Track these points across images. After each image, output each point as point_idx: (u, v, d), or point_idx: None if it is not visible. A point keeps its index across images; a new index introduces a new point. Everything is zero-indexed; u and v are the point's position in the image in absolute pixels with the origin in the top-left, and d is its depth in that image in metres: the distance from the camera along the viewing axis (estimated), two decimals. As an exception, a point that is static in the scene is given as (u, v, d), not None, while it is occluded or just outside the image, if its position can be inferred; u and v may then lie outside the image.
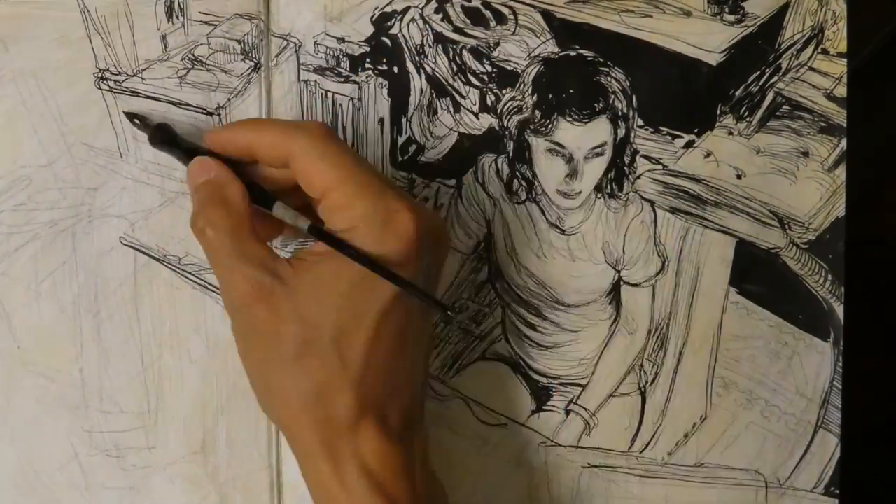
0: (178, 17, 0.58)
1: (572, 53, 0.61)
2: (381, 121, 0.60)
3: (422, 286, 0.48)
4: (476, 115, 0.61)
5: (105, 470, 0.59)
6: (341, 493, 0.47)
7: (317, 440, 0.48)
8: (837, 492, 0.63)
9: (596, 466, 0.62)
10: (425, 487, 0.50)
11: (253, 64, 0.59)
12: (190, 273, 0.59)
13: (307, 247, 0.50)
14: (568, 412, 0.62)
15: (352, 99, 0.59)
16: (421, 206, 0.51)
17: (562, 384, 0.62)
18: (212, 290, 0.59)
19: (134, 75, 0.58)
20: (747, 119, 0.62)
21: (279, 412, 0.50)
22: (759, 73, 0.62)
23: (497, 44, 0.60)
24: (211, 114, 0.58)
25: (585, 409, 0.62)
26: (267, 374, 0.49)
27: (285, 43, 0.59)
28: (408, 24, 0.60)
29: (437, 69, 0.60)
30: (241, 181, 0.50)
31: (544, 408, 0.62)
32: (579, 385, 0.62)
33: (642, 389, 0.63)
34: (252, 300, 0.48)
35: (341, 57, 0.59)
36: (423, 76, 0.60)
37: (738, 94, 0.62)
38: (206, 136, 0.53)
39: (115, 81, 0.58)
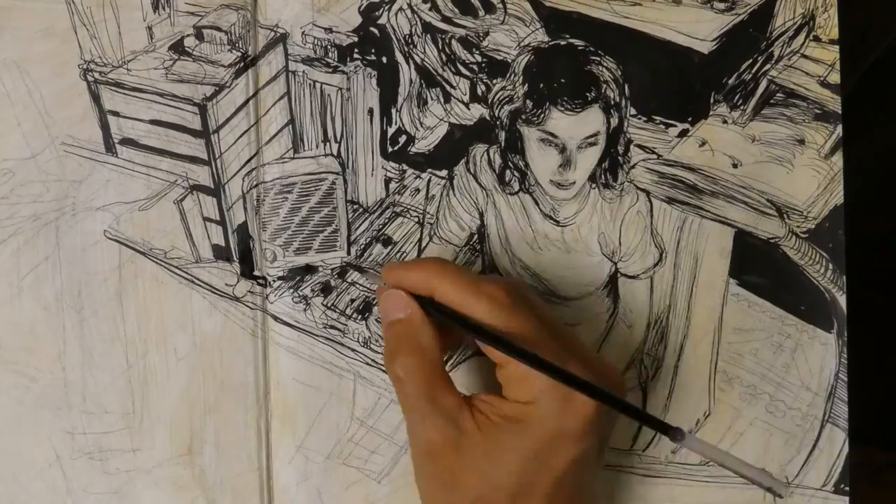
0: (164, 8, 0.58)
1: (562, 42, 0.60)
2: (371, 111, 0.59)
3: (593, 459, 0.51)
4: (467, 105, 0.60)
5: (88, 474, 0.57)
6: None
7: None
8: (847, 489, 0.61)
9: (597, 465, 0.60)
10: None
11: (240, 55, 0.58)
12: (176, 267, 0.57)
13: (494, 401, 0.50)
14: (567, 409, 0.60)
15: (340, 89, 0.59)
16: (603, 372, 0.51)
17: (560, 380, 0.60)
18: (198, 285, 0.57)
19: (119, 67, 0.57)
20: (741, 107, 0.61)
21: None
22: (751, 60, 0.61)
23: (486, 33, 0.60)
24: (197, 105, 0.57)
25: (585, 405, 0.60)
26: None
27: (273, 33, 0.58)
28: (396, 14, 0.59)
29: (426, 59, 0.60)
30: (433, 326, 0.51)
31: (542, 404, 0.60)
32: (578, 381, 0.60)
33: (643, 385, 0.61)
34: (439, 450, 0.50)
35: (329, 47, 0.59)
36: (413, 66, 0.59)
37: (730, 82, 0.61)
38: (386, 272, 0.53)
39: (100, 73, 0.57)
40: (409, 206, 0.60)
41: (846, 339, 0.61)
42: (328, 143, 0.59)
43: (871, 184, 0.62)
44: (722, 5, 0.61)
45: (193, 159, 0.58)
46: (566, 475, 0.49)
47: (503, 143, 0.60)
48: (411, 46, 0.59)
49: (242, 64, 0.58)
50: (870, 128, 0.62)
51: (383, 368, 0.59)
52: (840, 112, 0.61)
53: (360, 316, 0.59)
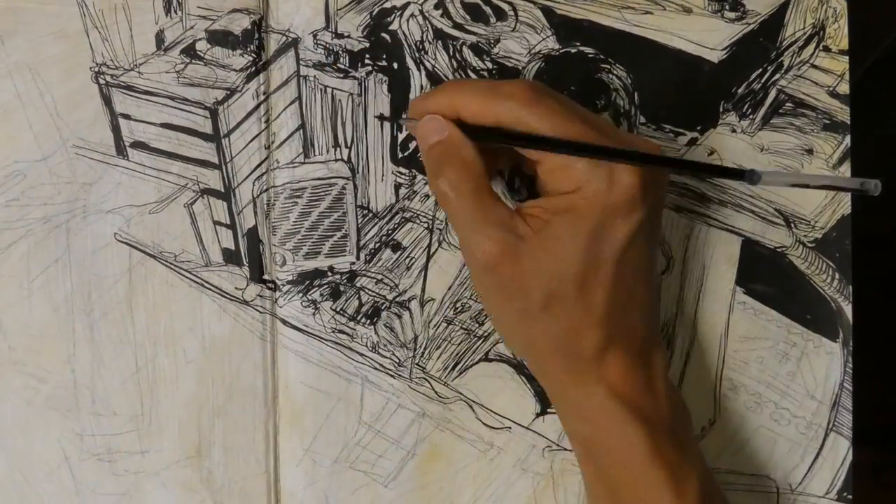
0: (176, 12, 0.58)
1: (573, 50, 0.60)
2: (381, 117, 0.59)
3: (647, 232, 0.51)
4: (477, 111, 0.60)
5: (96, 475, 0.57)
6: (592, 411, 0.51)
7: (567, 373, 0.52)
8: (850, 497, 0.61)
9: (603, 471, 0.60)
10: (667, 399, 0.52)
11: (251, 59, 0.58)
12: (185, 270, 0.58)
13: (541, 202, 0.51)
14: (573, 415, 0.61)
15: (351, 95, 0.59)
16: (643, 146, 0.52)
17: (567, 386, 0.61)
18: (208, 288, 0.58)
19: (131, 70, 0.57)
20: (750, 116, 0.62)
21: (530, 354, 0.54)
22: (760, 70, 0.62)
23: (497, 40, 0.60)
24: (208, 109, 0.57)
25: (591, 411, 0.61)
26: (516, 322, 0.52)
27: (284, 38, 0.58)
28: (407, 20, 0.59)
29: (437, 65, 0.60)
30: (473, 143, 0.51)
31: (549, 410, 0.60)
32: (584, 387, 0.61)
33: (649, 392, 0.61)
34: (498, 260, 0.50)
35: (341, 52, 0.59)
36: (424, 72, 0.59)
37: (740, 91, 0.61)
38: (411, 107, 0.54)
39: (112, 76, 0.57)
40: (418, 212, 0.60)
41: (852, 348, 0.62)
42: (339, 148, 0.59)
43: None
44: (732, 15, 0.61)
45: (204, 163, 0.58)
46: (626, 250, 0.50)
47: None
48: (422, 52, 0.59)
49: (254, 68, 0.58)
50: (869, 128, 0.62)
51: (391, 373, 0.59)
52: (849, 122, 0.62)
53: (368, 321, 0.59)
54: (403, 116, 0.59)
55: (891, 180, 0.63)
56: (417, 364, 0.60)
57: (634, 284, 0.51)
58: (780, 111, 0.62)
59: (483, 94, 0.51)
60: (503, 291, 0.51)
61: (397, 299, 0.60)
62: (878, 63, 0.64)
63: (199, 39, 0.58)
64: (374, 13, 0.59)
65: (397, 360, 0.60)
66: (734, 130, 0.62)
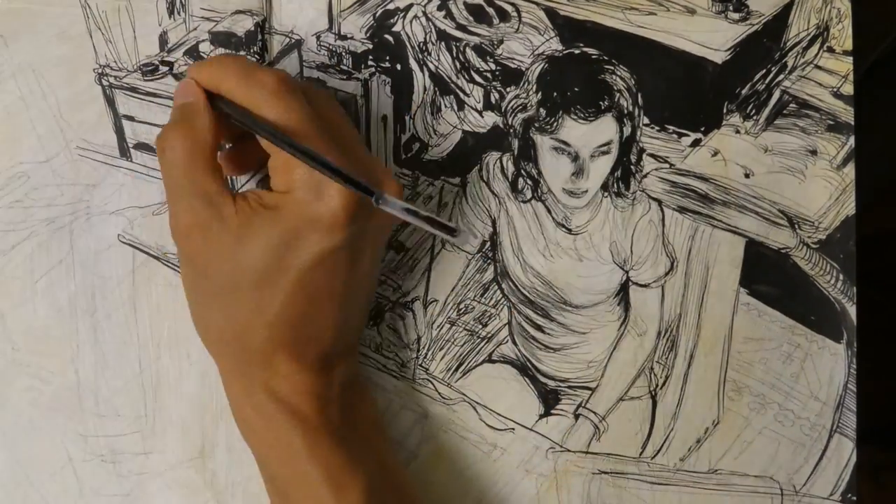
0: (179, 14, 0.58)
1: (576, 51, 0.60)
2: (385, 118, 0.59)
3: (346, 257, 0.50)
4: (480, 113, 0.60)
5: (100, 476, 0.57)
6: (253, 409, 0.51)
7: (233, 367, 0.52)
8: (854, 498, 0.61)
9: (606, 473, 0.60)
10: (338, 405, 0.52)
11: (254, 60, 0.58)
12: (189, 272, 0.58)
13: (259, 192, 0.51)
14: (577, 416, 0.60)
15: (355, 96, 0.59)
16: (370, 175, 0.51)
17: (570, 387, 0.61)
18: (212, 289, 0.58)
19: (134, 71, 0.57)
20: (754, 117, 0.61)
21: (205, 336, 0.53)
22: (764, 71, 0.61)
23: (501, 41, 0.60)
24: (212, 110, 0.57)
25: (595, 413, 0.60)
26: (197, 301, 0.52)
27: (287, 40, 0.59)
28: (411, 22, 0.59)
29: (440, 67, 0.60)
30: (213, 113, 0.50)
31: (552, 412, 0.60)
32: (588, 388, 0.61)
33: (653, 393, 0.61)
34: (190, 232, 0.50)
35: (344, 54, 0.59)
36: (427, 74, 0.59)
37: (744, 92, 0.61)
38: (189, 69, 0.53)
39: (115, 77, 0.57)
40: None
41: (856, 349, 0.62)
42: (342, 150, 0.59)
43: (869, 183, 0.62)
44: (736, 15, 0.61)
45: (207, 164, 0.58)
46: (314, 266, 0.49)
47: (516, 151, 0.60)
48: (425, 54, 0.59)
49: (257, 70, 0.58)
50: (868, 127, 0.62)
51: (394, 374, 0.59)
52: (853, 123, 0.61)
53: (371, 322, 0.59)
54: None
55: (891, 180, 0.64)
56: (421, 365, 0.60)
57: (320, 300, 0.51)
58: (784, 112, 0.62)
59: (240, 74, 0.50)
60: (190, 266, 0.51)
61: (401, 300, 0.60)
62: (879, 63, 0.64)
63: (203, 41, 0.58)
64: (377, 15, 0.59)
65: (401, 361, 0.60)
66: (738, 131, 0.61)
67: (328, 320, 0.52)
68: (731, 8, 0.61)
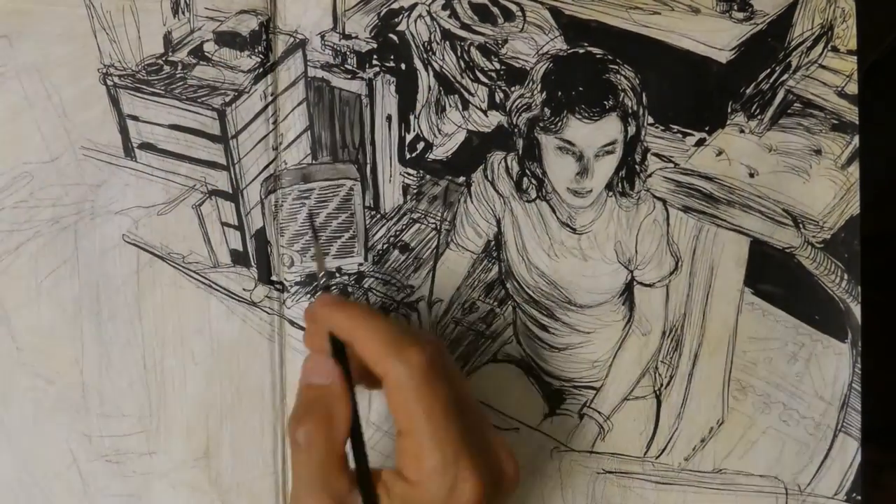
0: (183, 13, 0.58)
1: (581, 51, 0.60)
2: (389, 118, 0.59)
3: None
4: (485, 112, 0.60)
5: (104, 476, 0.57)
6: None
7: None
8: (859, 498, 0.61)
9: (611, 472, 0.60)
10: None
11: (259, 60, 0.58)
12: (193, 272, 0.58)
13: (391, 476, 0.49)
14: (581, 416, 0.60)
15: (359, 96, 0.59)
16: (496, 463, 0.50)
17: (575, 387, 0.61)
18: (216, 289, 0.58)
19: (139, 71, 0.57)
20: (759, 117, 0.61)
21: None
22: (769, 70, 0.61)
23: (505, 41, 0.60)
24: (216, 110, 0.57)
25: (599, 412, 0.60)
26: None
27: (292, 39, 0.58)
28: (415, 21, 0.59)
29: (445, 66, 0.60)
30: (349, 401, 0.49)
31: (557, 411, 0.60)
32: (593, 388, 0.61)
33: (657, 393, 0.61)
34: None
35: (348, 53, 0.59)
36: (431, 73, 0.59)
37: (748, 91, 0.61)
38: (318, 302, 0.51)
39: (119, 77, 0.57)
40: (426, 213, 0.60)
41: (860, 349, 0.62)
42: (346, 150, 0.59)
43: (870, 183, 0.62)
44: (741, 15, 0.61)
45: (212, 164, 0.58)
46: None
47: (521, 151, 0.60)
48: (430, 53, 0.59)
49: (261, 69, 0.58)
50: (868, 127, 0.62)
51: (399, 374, 0.59)
52: (857, 122, 0.61)
53: (376, 322, 0.59)
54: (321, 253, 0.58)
55: (889, 179, 0.64)
56: (425, 365, 0.60)
57: None
58: (789, 111, 0.62)
59: (386, 346, 0.48)
60: None
61: (405, 300, 0.60)
62: (879, 63, 0.64)
63: (207, 41, 0.58)
64: (381, 14, 0.59)
65: (405, 361, 0.59)
66: (742, 131, 0.61)
67: None
68: (735, 7, 0.61)
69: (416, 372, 0.47)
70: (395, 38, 0.59)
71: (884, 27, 0.65)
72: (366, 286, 0.59)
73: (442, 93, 0.60)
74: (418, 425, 0.47)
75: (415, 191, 0.60)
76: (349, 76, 0.59)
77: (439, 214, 0.60)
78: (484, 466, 0.48)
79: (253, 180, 0.58)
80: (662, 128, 0.61)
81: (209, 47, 0.58)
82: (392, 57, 0.59)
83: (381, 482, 0.48)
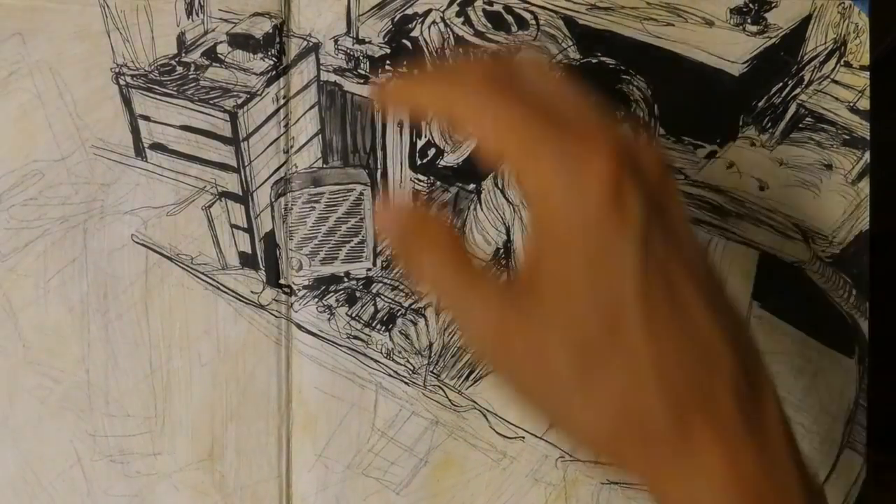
0: (197, 14, 0.58)
1: (594, 61, 0.60)
2: (401, 123, 0.59)
3: (663, 235, 0.38)
4: (496, 120, 0.60)
5: (108, 476, 0.57)
6: None
7: (642, 465, 0.39)
8: (863, 514, 0.61)
9: (616, 483, 0.60)
10: (794, 472, 0.40)
11: (272, 63, 0.58)
12: (202, 273, 0.58)
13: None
14: (587, 426, 0.60)
15: (371, 101, 0.59)
16: (612, 122, 0.39)
17: (581, 397, 0.60)
18: (224, 291, 0.58)
19: (151, 72, 0.57)
20: (770, 130, 0.61)
21: (592, 446, 0.41)
22: (781, 84, 0.61)
23: (518, 49, 0.60)
24: (228, 112, 0.57)
25: (605, 423, 0.60)
26: (558, 409, 0.41)
27: (305, 43, 0.58)
28: (429, 27, 0.59)
29: (457, 73, 0.60)
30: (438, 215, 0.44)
31: (562, 421, 0.60)
32: (598, 398, 0.61)
33: (663, 404, 0.61)
34: (506, 338, 0.40)
35: (361, 58, 0.59)
36: (444, 80, 0.59)
37: (760, 105, 0.61)
38: (378, 89, 0.47)
39: (132, 77, 0.57)
40: (435, 219, 0.60)
41: (868, 365, 0.62)
42: (357, 154, 0.59)
43: (870, 183, 0.62)
44: (754, 28, 0.61)
45: (222, 166, 0.58)
46: (643, 274, 0.36)
47: (531, 159, 0.60)
48: (443, 60, 0.59)
49: (274, 72, 0.58)
50: (872, 123, 0.62)
51: (405, 380, 0.59)
52: (868, 138, 0.61)
53: (383, 327, 0.59)
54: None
55: (889, 179, 0.64)
56: (432, 371, 0.60)
57: (684, 312, 0.38)
58: (800, 126, 0.62)
59: (437, 86, 0.41)
60: (525, 373, 0.40)
61: (413, 306, 0.60)
62: (879, 63, 0.64)
63: (221, 42, 0.58)
64: (395, 19, 0.59)
65: (412, 368, 0.59)
66: (753, 144, 0.61)
67: (713, 331, 0.39)
68: (749, 20, 0.61)
69: (476, 92, 0.39)
70: (408, 43, 0.59)
71: (884, 27, 0.65)
72: (374, 291, 0.59)
73: (454, 99, 0.60)
74: (508, 138, 0.38)
75: (425, 197, 0.60)
76: (362, 81, 0.59)
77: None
78: (602, 126, 0.38)
79: (263, 183, 0.58)
80: (674, 139, 0.61)
81: (222, 49, 0.58)
82: (405, 62, 0.59)
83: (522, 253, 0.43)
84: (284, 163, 0.58)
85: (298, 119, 0.59)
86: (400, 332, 0.59)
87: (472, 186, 0.60)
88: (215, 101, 0.57)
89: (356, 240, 0.59)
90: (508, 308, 0.39)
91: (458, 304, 0.41)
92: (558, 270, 0.38)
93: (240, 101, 0.57)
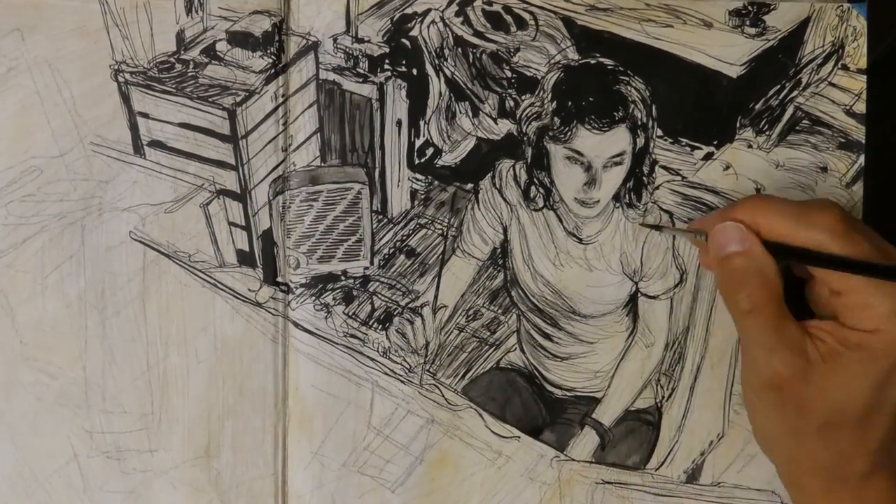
0: (197, 12, 0.58)
1: (592, 61, 0.60)
2: (399, 122, 0.59)
3: None
4: (495, 120, 0.60)
5: (105, 472, 0.57)
6: None
7: (824, 494, 0.53)
8: (856, 515, 0.62)
9: (610, 483, 0.60)
10: None
11: (271, 61, 0.58)
12: (199, 270, 0.58)
13: (832, 328, 0.52)
14: (583, 426, 0.61)
15: (370, 99, 0.59)
16: None
17: (577, 397, 0.61)
18: (221, 289, 0.58)
19: (150, 69, 0.57)
20: (767, 133, 0.62)
21: (789, 468, 0.55)
22: (779, 86, 0.62)
23: (517, 49, 0.60)
24: (227, 110, 0.57)
25: (600, 423, 0.61)
26: (784, 440, 0.54)
27: (304, 41, 0.59)
28: (428, 27, 0.59)
29: (456, 73, 0.60)
30: (775, 260, 0.53)
31: (558, 421, 0.60)
32: (594, 398, 0.61)
33: (658, 405, 0.61)
34: (786, 382, 0.52)
35: (360, 57, 0.59)
36: (443, 79, 0.60)
37: (758, 107, 0.61)
38: (702, 222, 0.55)
39: (131, 74, 0.57)
40: (433, 219, 0.60)
41: (861, 367, 0.62)
42: (355, 153, 0.59)
43: (864, 186, 0.62)
44: (753, 30, 0.61)
45: (221, 164, 0.58)
46: None
47: (529, 160, 0.60)
48: (442, 59, 0.59)
49: (273, 70, 0.58)
50: (868, 127, 0.62)
51: (401, 379, 0.59)
52: (864, 142, 0.62)
53: (380, 326, 0.59)
54: (677, 227, 0.60)
55: (889, 179, 0.64)
56: (428, 370, 0.60)
57: None
58: (797, 128, 0.62)
59: (793, 221, 0.52)
60: (781, 410, 0.53)
61: (410, 305, 0.60)
62: (879, 63, 0.64)
63: (220, 40, 0.58)
64: (394, 19, 0.59)
65: (408, 366, 0.60)
66: (750, 146, 0.62)
67: None
68: (747, 23, 0.61)
69: (832, 234, 0.51)
70: (407, 43, 0.59)
71: (882, 30, 0.65)
72: (371, 290, 0.59)
73: (452, 99, 0.60)
74: (856, 279, 0.51)
75: (422, 196, 0.60)
76: (360, 80, 0.59)
77: (446, 220, 0.60)
78: None
79: (261, 181, 0.58)
80: (671, 140, 0.61)
81: (221, 47, 0.58)
82: (404, 62, 0.59)
83: (825, 332, 0.52)
84: (283, 161, 0.59)
85: (297, 117, 0.59)
86: (396, 330, 0.60)
87: (469, 186, 0.60)
88: (214, 98, 0.57)
89: (354, 238, 0.59)
90: (801, 362, 0.51)
91: (761, 340, 0.52)
92: (856, 366, 0.51)
93: (238, 99, 0.58)
